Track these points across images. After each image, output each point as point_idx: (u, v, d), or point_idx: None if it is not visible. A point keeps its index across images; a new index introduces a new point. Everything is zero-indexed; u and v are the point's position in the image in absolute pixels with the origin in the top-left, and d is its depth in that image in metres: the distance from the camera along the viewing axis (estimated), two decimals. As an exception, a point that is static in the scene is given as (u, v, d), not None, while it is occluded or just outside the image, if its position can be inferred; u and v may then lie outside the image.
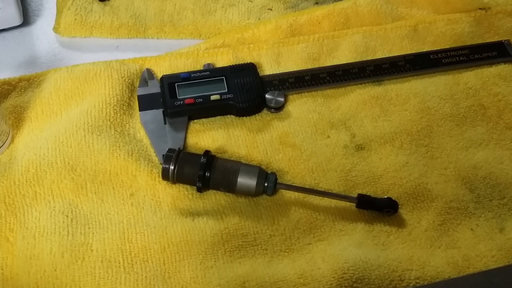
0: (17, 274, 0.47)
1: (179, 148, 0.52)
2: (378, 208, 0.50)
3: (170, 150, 0.52)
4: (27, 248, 0.48)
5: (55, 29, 0.65)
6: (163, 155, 0.51)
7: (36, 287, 0.46)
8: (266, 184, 0.50)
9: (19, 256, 0.47)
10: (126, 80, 0.58)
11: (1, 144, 0.54)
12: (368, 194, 0.51)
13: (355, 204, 0.50)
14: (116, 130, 0.55)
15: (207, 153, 0.51)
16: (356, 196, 0.50)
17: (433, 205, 0.51)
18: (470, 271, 0.47)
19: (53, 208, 0.50)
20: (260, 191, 0.51)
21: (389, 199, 0.50)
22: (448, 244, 0.49)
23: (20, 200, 0.50)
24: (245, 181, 0.50)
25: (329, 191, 0.52)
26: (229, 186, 0.50)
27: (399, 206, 0.51)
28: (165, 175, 0.51)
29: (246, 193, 0.51)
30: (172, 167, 0.50)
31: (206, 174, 0.50)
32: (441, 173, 0.54)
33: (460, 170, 0.54)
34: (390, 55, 0.62)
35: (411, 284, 0.46)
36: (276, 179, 0.51)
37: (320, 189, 0.52)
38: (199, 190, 0.51)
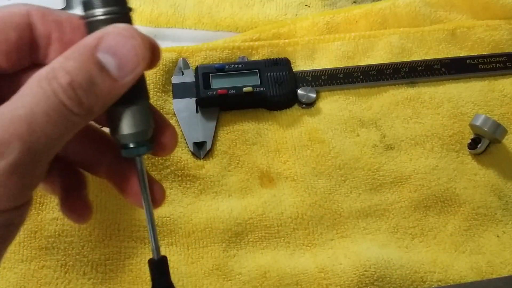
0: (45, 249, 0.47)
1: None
2: None
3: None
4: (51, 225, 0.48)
5: (96, 15, 0.67)
6: (193, 143, 0.52)
7: (64, 264, 0.46)
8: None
9: (48, 229, 0.48)
10: (162, 68, 0.59)
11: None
12: (394, 194, 0.51)
13: (380, 203, 0.50)
14: (149, 116, 0.56)
15: None
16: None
17: (460, 210, 0.51)
18: (493, 277, 0.46)
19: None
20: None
21: None
22: (473, 250, 0.48)
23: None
24: None
25: (356, 189, 0.52)
26: None
27: (427, 208, 0.50)
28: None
29: None
30: None
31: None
32: (471, 178, 0.53)
33: (490, 176, 0.53)
34: (426, 58, 0.61)
35: (433, 286, 0.46)
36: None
37: (346, 186, 0.52)
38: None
